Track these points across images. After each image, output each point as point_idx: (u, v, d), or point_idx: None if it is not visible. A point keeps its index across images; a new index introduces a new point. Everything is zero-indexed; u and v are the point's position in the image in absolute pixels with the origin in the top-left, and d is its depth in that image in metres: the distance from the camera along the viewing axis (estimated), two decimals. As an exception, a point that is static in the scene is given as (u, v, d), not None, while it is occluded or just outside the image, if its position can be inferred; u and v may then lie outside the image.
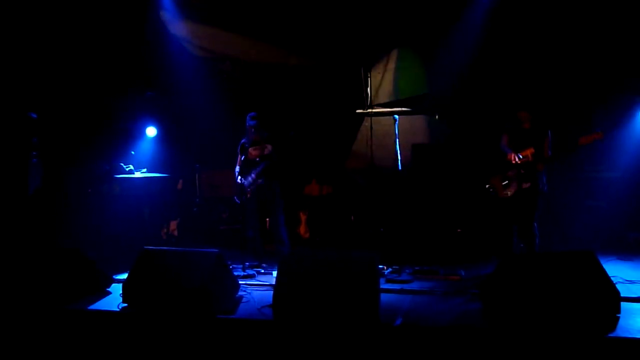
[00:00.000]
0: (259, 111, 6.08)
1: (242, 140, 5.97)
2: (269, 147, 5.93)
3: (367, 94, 7.78)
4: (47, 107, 6.79)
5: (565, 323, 3.81)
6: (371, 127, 6.71)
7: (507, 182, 5.41)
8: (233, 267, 5.18)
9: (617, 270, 5.09)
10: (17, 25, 6.59)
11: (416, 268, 5.48)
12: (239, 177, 5.84)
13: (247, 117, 5.94)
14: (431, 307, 4.41)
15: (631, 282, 4.87)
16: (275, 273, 4.69)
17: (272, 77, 8.05)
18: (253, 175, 5.82)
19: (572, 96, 6.82)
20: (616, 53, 6.64)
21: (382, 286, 4.65)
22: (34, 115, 6.46)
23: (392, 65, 7.84)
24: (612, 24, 6.57)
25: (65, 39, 6.97)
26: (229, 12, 7.74)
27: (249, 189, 5.83)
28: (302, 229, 7.22)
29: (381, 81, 7.95)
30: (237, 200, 5.90)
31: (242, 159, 5.90)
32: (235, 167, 5.99)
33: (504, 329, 3.84)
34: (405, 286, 4.96)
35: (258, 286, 5.10)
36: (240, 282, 4.91)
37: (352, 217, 7.18)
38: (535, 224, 5.32)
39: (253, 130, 5.89)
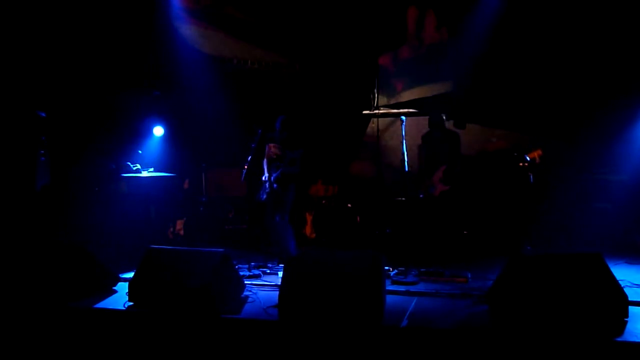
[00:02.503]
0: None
1: (268, 134, 6.05)
2: (296, 152, 6.00)
3: (374, 95, 7.78)
4: (56, 106, 6.82)
5: (572, 326, 3.78)
6: (377, 128, 6.71)
7: (433, 185, 5.74)
8: (239, 267, 5.18)
9: (625, 274, 5.05)
10: (27, 26, 6.63)
11: (422, 270, 5.46)
12: (266, 174, 5.95)
13: (278, 119, 6.05)
14: (437, 309, 4.39)
15: (639, 285, 4.83)
16: (280, 273, 4.69)
17: (279, 77, 8.06)
18: (273, 176, 5.91)
19: (578, 98, 6.80)
20: (622, 55, 6.61)
21: (387, 287, 4.63)
22: (43, 114, 6.50)
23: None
24: (616, 25, 6.54)
25: (74, 38, 7.00)
26: (234, 18, 7.80)
27: (268, 189, 5.93)
28: (307, 230, 7.21)
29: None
30: (261, 198, 6.01)
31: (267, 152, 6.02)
32: (261, 162, 6.06)
33: (510, 332, 3.82)
34: (411, 288, 4.94)
35: (264, 286, 5.09)
36: (245, 282, 4.91)
37: (358, 218, 7.16)
38: None
39: (279, 130, 6.01)
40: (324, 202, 7.31)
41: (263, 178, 5.96)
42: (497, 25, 6.98)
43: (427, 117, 7.66)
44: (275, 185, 5.90)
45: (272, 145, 5.98)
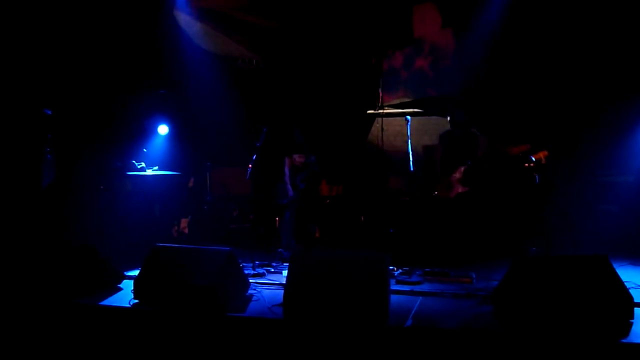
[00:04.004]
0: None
1: (287, 143, 6.51)
2: (313, 156, 6.43)
3: (379, 95, 7.78)
4: (62, 104, 6.84)
5: (577, 328, 3.77)
6: (382, 128, 6.70)
7: (450, 185, 5.81)
8: (243, 266, 5.19)
9: (630, 276, 5.03)
10: (33, 24, 6.66)
11: (426, 270, 5.45)
12: (289, 182, 6.40)
13: (296, 130, 6.56)
14: (441, 309, 4.39)
15: (644, 287, 4.81)
16: (285, 272, 4.69)
17: (283, 76, 8.07)
18: (297, 181, 6.30)
19: (582, 99, 6.78)
20: (627, 55, 6.60)
21: (392, 287, 4.62)
22: (49, 112, 6.52)
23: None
24: (618, 28, 6.53)
25: (80, 36, 7.02)
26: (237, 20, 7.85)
27: (292, 194, 6.33)
28: (312, 229, 7.22)
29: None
30: (283, 201, 6.44)
31: (288, 163, 6.44)
32: (284, 169, 6.51)
33: (515, 333, 3.82)
34: (415, 288, 4.93)
35: (268, 285, 5.10)
36: (250, 280, 4.93)
37: (362, 218, 7.16)
38: None
39: (298, 137, 6.51)
40: (328, 201, 7.31)
41: (286, 179, 6.34)
42: (501, 29, 6.99)
43: (432, 117, 7.71)
44: (302, 185, 6.35)
45: (297, 155, 6.39)
